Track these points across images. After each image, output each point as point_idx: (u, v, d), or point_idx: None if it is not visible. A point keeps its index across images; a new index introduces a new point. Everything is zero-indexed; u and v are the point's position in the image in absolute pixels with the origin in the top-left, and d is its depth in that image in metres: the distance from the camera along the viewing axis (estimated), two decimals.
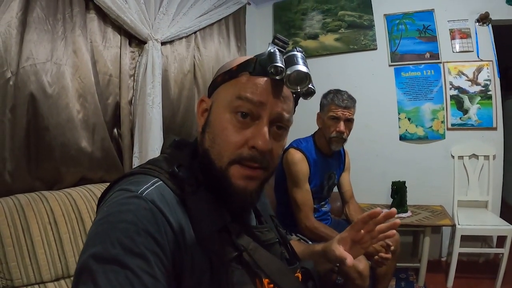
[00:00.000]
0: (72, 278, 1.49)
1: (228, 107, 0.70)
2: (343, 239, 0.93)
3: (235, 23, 3.22)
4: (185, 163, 0.74)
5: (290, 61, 0.70)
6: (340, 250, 0.92)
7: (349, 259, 0.87)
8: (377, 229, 0.89)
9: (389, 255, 1.82)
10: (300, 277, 0.85)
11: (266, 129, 0.70)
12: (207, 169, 0.73)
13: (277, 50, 0.70)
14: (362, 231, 0.90)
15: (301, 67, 0.69)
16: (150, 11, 2.22)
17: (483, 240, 3.07)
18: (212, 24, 2.87)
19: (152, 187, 0.65)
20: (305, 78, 0.71)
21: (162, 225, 0.61)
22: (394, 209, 0.86)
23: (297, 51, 0.72)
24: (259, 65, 0.70)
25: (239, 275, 0.68)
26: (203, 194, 0.71)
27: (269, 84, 0.70)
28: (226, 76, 0.73)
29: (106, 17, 2.02)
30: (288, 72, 0.69)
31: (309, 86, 0.73)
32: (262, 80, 0.70)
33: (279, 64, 0.68)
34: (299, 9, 3.65)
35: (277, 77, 0.69)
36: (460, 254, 2.66)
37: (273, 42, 0.72)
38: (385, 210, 0.88)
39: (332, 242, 0.95)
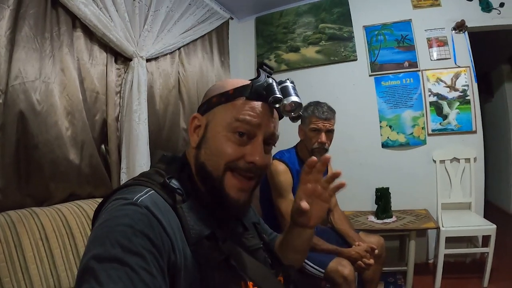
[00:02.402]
0: None
1: (227, 127, 0.79)
2: (298, 197, 0.93)
3: (218, 38, 3.30)
4: (174, 176, 0.80)
5: (286, 92, 0.81)
6: (297, 201, 0.92)
7: (303, 204, 0.89)
8: (324, 180, 0.92)
9: (371, 261, 1.86)
10: (282, 280, 0.91)
11: (262, 146, 0.81)
12: (203, 181, 0.81)
13: (274, 82, 0.80)
14: (309, 184, 0.92)
15: (295, 98, 0.80)
16: (135, 29, 2.28)
17: (469, 240, 3.14)
18: (195, 40, 2.94)
19: (146, 196, 0.71)
20: (298, 107, 0.82)
21: (156, 228, 0.66)
22: (338, 171, 0.89)
23: (290, 83, 0.83)
24: (255, 91, 0.80)
25: (225, 278, 0.73)
26: (192, 203, 0.77)
27: (263, 107, 0.80)
28: (223, 98, 0.81)
29: (92, 35, 2.06)
30: (285, 102, 0.80)
31: (300, 112, 0.84)
32: (258, 104, 0.80)
33: (279, 96, 0.78)
34: (280, 23, 3.74)
35: (276, 106, 0.79)
36: (446, 255, 2.71)
37: (262, 68, 0.84)
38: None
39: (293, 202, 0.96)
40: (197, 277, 0.70)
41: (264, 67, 0.85)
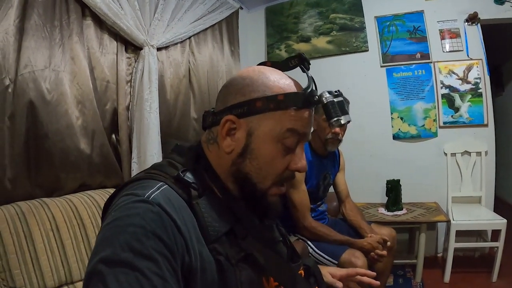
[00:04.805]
0: (75, 284, 1.52)
1: (277, 137, 0.73)
2: (333, 274, 1.07)
3: (228, 27, 3.26)
4: (189, 168, 0.76)
5: (341, 109, 0.78)
6: (330, 278, 1.04)
7: (339, 284, 1.01)
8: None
9: (384, 252, 1.85)
10: (302, 274, 0.88)
11: (303, 152, 0.78)
12: (242, 188, 0.77)
13: (334, 100, 0.78)
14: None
15: (349, 116, 0.79)
16: (145, 17, 2.24)
17: (478, 234, 3.12)
18: (206, 29, 2.90)
19: (158, 191, 0.66)
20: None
21: (169, 228, 0.62)
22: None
23: (340, 95, 0.80)
24: (306, 100, 0.74)
25: (246, 275, 0.70)
26: (209, 198, 0.73)
27: (310, 115, 0.76)
28: (270, 104, 0.72)
29: (102, 24, 2.03)
30: (343, 121, 0.78)
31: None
32: (306, 113, 0.75)
33: (341, 118, 0.77)
34: (291, 12, 3.69)
35: (333, 123, 0.78)
36: (455, 249, 2.70)
37: (304, 65, 0.80)
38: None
39: (323, 269, 1.04)
40: (216, 277, 0.67)
41: (306, 63, 0.80)
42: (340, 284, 0.99)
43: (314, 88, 0.75)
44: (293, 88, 0.75)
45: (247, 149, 0.74)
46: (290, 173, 0.78)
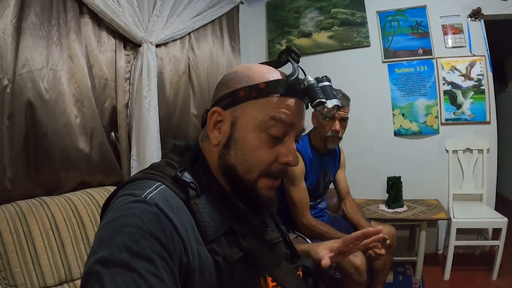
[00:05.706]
0: (75, 282, 1.53)
1: (260, 126, 0.73)
2: (330, 247, 1.00)
3: (229, 23, 3.23)
4: (187, 167, 0.75)
5: (325, 93, 0.74)
6: (322, 252, 0.99)
7: (325, 261, 0.95)
8: (362, 243, 1.00)
9: (383, 251, 1.85)
10: (301, 274, 0.88)
11: (294, 145, 0.77)
12: (231, 182, 0.77)
13: (315, 83, 0.74)
14: (351, 245, 0.99)
15: (336, 101, 0.75)
16: (144, 14, 2.22)
17: (479, 232, 3.11)
18: (205, 25, 2.87)
19: (156, 191, 0.66)
20: (338, 109, 0.76)
21: (167, 228, 0.61)
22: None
23: (327, 81, 0.77)
24: (291, 87, 0.73)
25: (244, 275, 0.70)
26: (207, 198, 0.72)
27: (297, 104, 0.75)
28: (253, 93, 0.73)
29: (100, 21, 2.02)
30: (329, 105, 0.73)
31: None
32: (292, 101, 0.74)
33: (324, 100, 0.73)
34: (292, 7, 3.66)
35: (318, 108, 0.73)
36: (456, 247, 2.69)
37: (290, 56, 0.78)
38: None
39: (319, 245, 1.02)
40: (215, 277, 0.67)
41: (293, 54, 0.78)
42: (327, 260, 0.95)
43: (312, 87, 0.73)
44: (277, 78, 0.75)
45: (231, 139, 0.75)
46: (281, 166, 0.76)
